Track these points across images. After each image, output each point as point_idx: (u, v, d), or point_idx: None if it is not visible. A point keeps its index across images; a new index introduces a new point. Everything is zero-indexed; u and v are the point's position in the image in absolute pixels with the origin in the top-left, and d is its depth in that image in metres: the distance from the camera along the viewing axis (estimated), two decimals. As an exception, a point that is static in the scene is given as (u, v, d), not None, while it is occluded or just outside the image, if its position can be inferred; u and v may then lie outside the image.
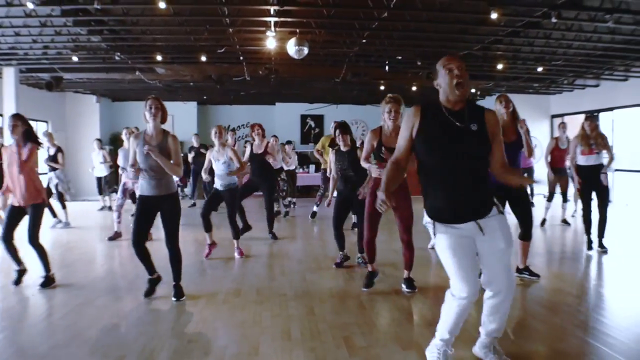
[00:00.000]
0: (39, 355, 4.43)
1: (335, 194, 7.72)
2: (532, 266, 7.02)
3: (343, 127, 7.50)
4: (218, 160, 8.21)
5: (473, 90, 16.93)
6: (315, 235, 10.76)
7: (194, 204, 15.28)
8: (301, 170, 18.37)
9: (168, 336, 4.81)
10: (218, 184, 8.31)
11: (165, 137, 5.93)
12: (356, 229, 10.40)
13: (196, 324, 5.11)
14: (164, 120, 5.94)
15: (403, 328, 5.12)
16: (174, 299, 5.97)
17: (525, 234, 6.69)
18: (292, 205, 14.69)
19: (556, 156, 11.34)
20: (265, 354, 4.40)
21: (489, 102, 6.35)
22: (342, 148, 7.49)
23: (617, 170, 16.19)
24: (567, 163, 10.72)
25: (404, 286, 6.34)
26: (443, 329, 3.96)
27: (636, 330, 4.94)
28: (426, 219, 3.85)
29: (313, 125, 22.07)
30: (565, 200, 11.66)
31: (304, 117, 22.19)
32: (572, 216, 12.58)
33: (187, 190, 17.02)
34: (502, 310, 3.90)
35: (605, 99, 16.26)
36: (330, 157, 7.59)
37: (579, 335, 4.79)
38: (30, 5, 8.41)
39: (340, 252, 7.73)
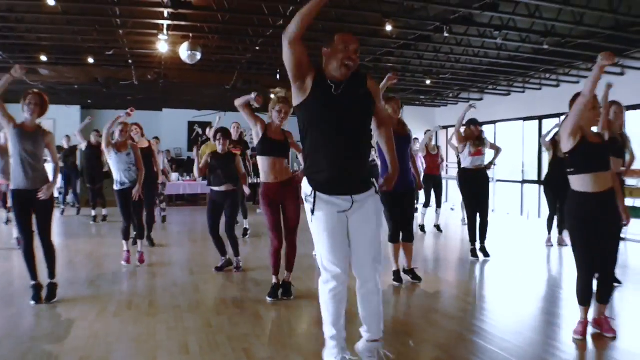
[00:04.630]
0: None
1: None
2: (418, 271, 7.21)
3: (224, 132, 7.67)
4: (120, 153, 7.82)
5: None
6: (200, 242, 10.49)
7: (63, 212, 14.63)
8: (188, 177, 17.90)
9: (58, 353, 4.50)
10: (121, 183, 7.86)
11: (42, 132, 5.97)
12: (247, 237, 10.42)
13: (87, 340, 4.80)
14: (40, 115, 5.94)
15: (302, 337, 5.10)
16: (45, 300, 5.90)
17: (409, 235, 6.91)
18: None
19: (429, 162, 11.68)
20: (163, 369, 4.20)
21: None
22: (220, 151, 7.58)
23: (498, 180, 16.90)
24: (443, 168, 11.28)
25: (281, 291, 6.28)
26: (326, 324, 3.90)
27: (528, 334, 5.14)
28: (305, 192, 3.78)
29: (201, 132, 21.72)
30: (439, 206, 12.03)
31: (191, 124, 21.89)
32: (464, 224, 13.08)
33: (69, 198, 16.04)
34: (373, 304, 3.88)
35: (488, 112, 16.92)
36: (205, 157, 7.61)
37: (476, 341, 4.89)
38: None
39: (222, 258, 7.72)
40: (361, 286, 3.87)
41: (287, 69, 3.69)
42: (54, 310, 5.72)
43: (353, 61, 3.66)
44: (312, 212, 3.73)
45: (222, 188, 7.57)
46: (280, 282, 6.29)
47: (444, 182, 13.29)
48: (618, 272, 7.03)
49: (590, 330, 4.99)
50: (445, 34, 9.43)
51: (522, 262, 8.80)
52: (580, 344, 4.81)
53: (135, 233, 8.14)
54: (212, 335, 4.96)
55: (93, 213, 13.12)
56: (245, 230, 10.75)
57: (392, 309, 6.09)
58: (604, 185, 4.74)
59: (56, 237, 11.25)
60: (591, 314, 5.01)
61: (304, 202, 3.83)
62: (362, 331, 4.04)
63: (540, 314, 5.92)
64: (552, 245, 10.00)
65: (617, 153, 6.26)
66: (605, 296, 5.01)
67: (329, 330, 3.91)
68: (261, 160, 6.13)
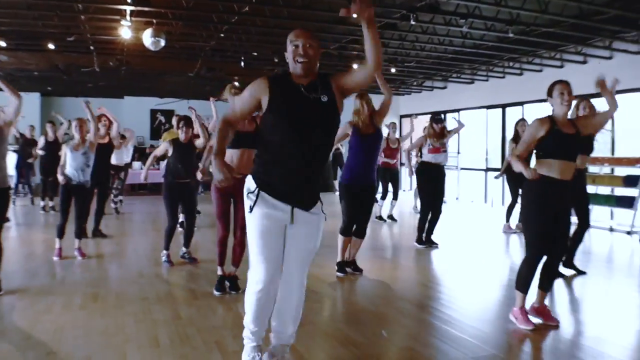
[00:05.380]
0: None
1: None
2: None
3: (187, 120, 7.53)
4: (76, 152, 7.64)
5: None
6: (162, 233, 10.32)
7: (14, 201, 14.16)
8: (152, 167, 17.65)
9: (24, 348, 4.39)
10: (70, 178, 7.62)
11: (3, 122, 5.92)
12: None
13: (54, 333, 4.68)
14: None
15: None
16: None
17: (362, 231, 6.92)
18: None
19: (388, 156, 11.67)
20: (133, 363, 4.12)
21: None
22: (182, 140, 7.41)
23: (462, 169, 17.04)
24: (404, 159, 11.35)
25: (227, 284, 6.13)
26: (247, 320, 3.80)
27: (497, 322, 5.22)
28: (249, 187, 3.63)
29: (163, 120, 21.49)
30: (395, 197, 12.05)
31: (154, 112, 21.70)
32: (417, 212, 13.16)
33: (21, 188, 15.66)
34: (291, 312, 3.81)
35: (452, 100, 17.04)
36: (164, 144, 7.55)
37: (448, 329, 4.91)
38: None
39: (167, 252, 7.57)
40: (281, 296, 3.79)
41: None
42: (18, 303, 5.59)
43: (304, 56, 3.51)
44: (251, 209, 3.58)
45: (180, 178, 7.41)
46: (227, 275, 6.16)
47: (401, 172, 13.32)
48: (581, 260, 7.19)
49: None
50: (412, 22, 9.43)
51: (486, 250, 8.91)
52: (545, 331, 4.86)
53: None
54: (182, 328, 4.88)
55: (42, 203, 13.02)
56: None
57: (359, 298, 6.13)
58: (568, 174, 4.80)
59: (13, 228, 11.17)
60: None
61: (245, 197, 3.66)
62: (272, 337, 3.94)
63: (506, 300, 5.93)
64: (514, 232, 10.11)
65: (585, 150, 6.33)
66: (548, 284, 5.08)
67: (249, 325, 3.81)
68: (229, 153, 5.97)
